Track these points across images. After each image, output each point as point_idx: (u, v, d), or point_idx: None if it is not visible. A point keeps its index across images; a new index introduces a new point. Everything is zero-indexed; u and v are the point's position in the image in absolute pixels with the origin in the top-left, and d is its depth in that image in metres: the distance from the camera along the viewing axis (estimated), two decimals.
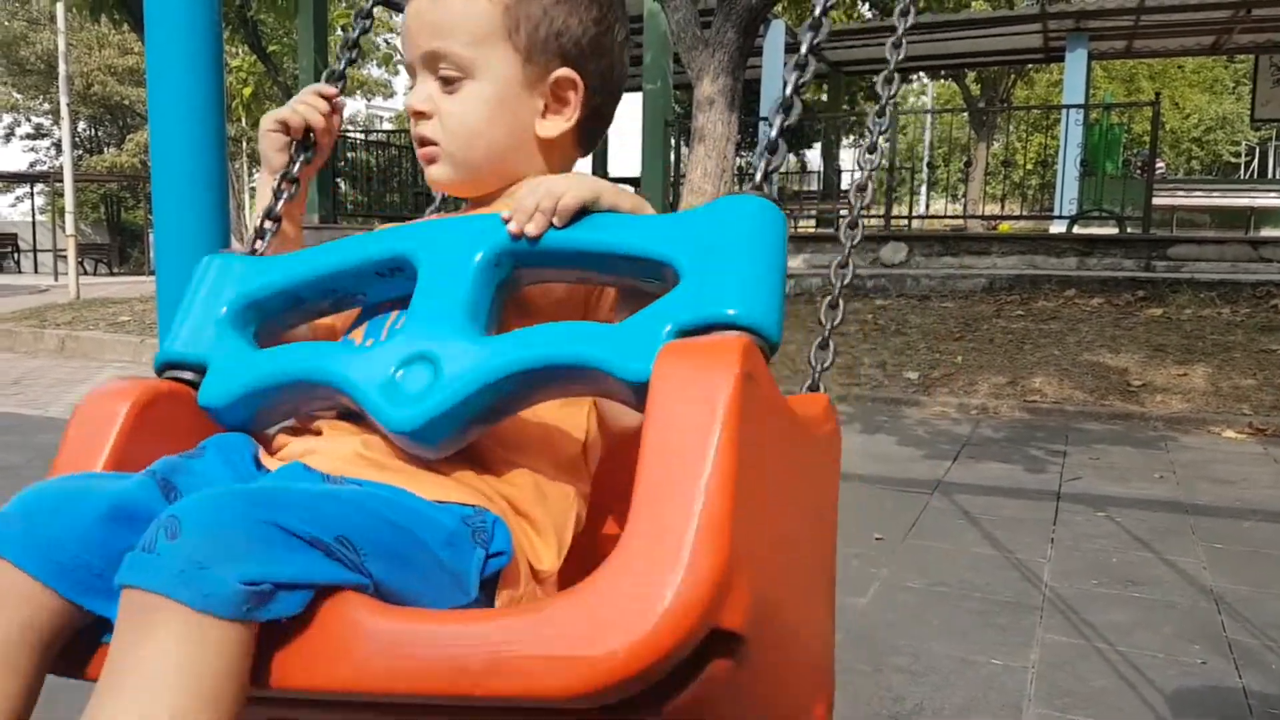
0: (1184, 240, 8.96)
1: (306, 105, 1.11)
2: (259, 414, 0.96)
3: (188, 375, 0.97)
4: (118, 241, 25.69)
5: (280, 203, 1.11)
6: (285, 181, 1.11)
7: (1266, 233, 14.38)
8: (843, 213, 0.99)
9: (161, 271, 1.85)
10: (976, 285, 8.27)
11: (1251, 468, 4.45)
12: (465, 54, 1.02)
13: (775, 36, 13.11)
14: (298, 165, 1.11)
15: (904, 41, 1.06)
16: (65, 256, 12.45)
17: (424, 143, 1.05)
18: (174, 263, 1.83)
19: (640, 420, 0.73)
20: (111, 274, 21.60)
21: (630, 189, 0.97)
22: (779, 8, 16.75)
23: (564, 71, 1.05)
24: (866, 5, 18.60)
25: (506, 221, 0.90)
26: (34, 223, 23.45)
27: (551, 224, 0.89)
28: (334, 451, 0.91)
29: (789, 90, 0.92)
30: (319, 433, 0.96)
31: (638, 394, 0.76)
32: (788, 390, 0.83)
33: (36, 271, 21.61)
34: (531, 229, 0.89)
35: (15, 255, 23.04)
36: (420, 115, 1.05)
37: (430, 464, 0.89)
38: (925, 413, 5.71)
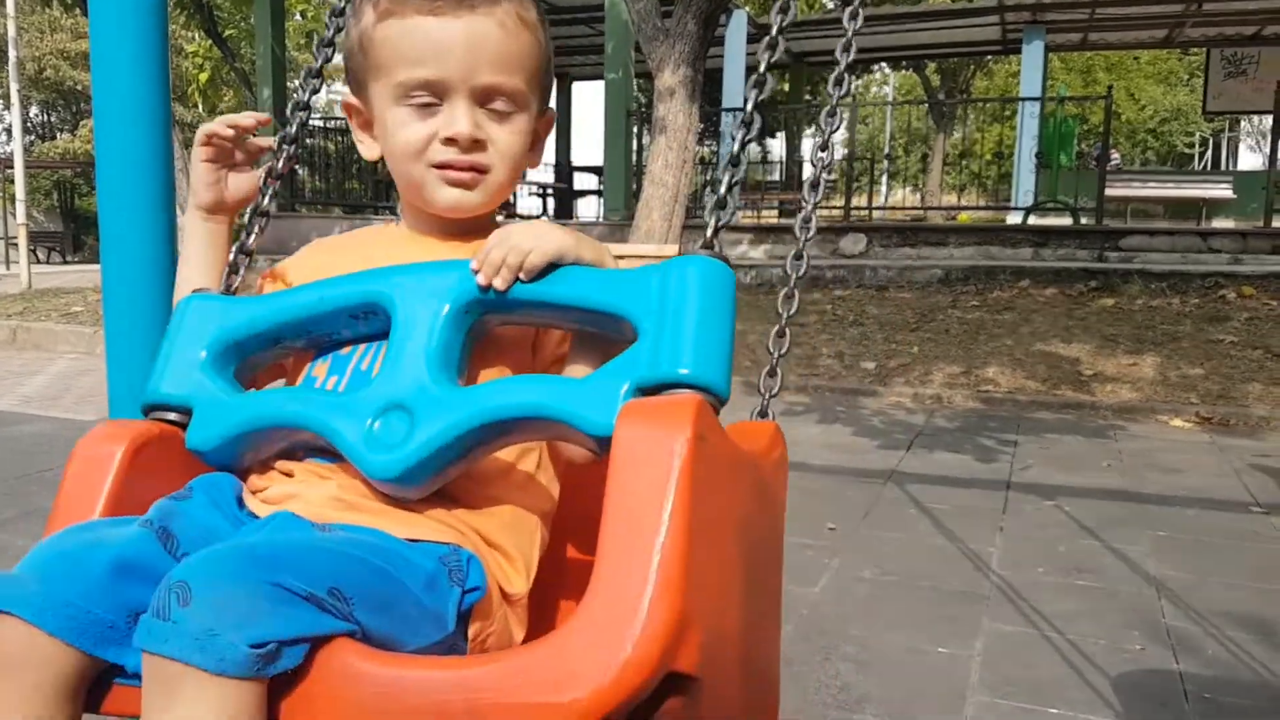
0: (1136, 231, 9.13)
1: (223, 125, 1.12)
2: (243, 455, 1.00)
3: (172, 416, 1.01)
4: (71, 229, 25.15)
5: (253, 238, 1.13)
6: (256, 215, 1.14)
7: (1217, 224, 14.66)
8: (803, 205, 1.04)
9: (106, 258, 1.81)
10: (933, 276, 8.36)
11: (1197, 456, 4.55)
12: (523, 90, 1.03)
13: (737, 27, 13.13)
14: (266, 197, 1.14)
15: (854, 45, 1.12)
16: (16, 244, 12.18)
17: (476, 169, 1.03)
18: (119, 249, 1.80)
19: (587, 457, 0.88)
20: (65, 262, 21.16)
21: (591, 239, 0.99)
22: None
23: (550, 111, 1.10)
24: None
25: (475, 273, 0.93)
26: None
27: (518, 278, 0.92)
28: (312, 497, 0.94)
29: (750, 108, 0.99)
30: (290, 474, 0.99)
31: (600, 445, 0.83)
32: (736, 416, 0.92)
33: None
34: (499, 284, 0.92)
35: None
36: (477, 144, 1.02)
37: (404, 504, 0.93)
38: (881, 403, 5.78)
